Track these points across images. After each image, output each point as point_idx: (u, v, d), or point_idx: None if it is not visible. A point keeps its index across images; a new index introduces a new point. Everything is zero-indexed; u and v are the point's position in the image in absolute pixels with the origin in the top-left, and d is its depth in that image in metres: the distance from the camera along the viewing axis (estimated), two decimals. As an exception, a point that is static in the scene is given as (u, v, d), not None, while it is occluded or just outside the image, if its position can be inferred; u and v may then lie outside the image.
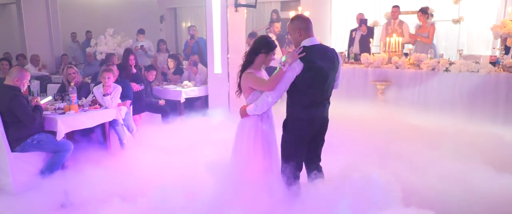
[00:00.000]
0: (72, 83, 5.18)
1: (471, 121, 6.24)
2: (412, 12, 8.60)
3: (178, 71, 8.34)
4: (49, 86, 7.00)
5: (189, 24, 12.63)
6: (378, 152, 4.68)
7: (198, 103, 8.04)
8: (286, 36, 9.25)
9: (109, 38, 8.98)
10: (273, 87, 3.39)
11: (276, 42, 6.76)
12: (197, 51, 8.79)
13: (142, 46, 9.25)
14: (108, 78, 5.33)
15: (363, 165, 3.78)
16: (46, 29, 10.09)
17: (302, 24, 3.40)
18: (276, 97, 3.34)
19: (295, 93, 3.39)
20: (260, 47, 3.56)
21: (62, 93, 5.63)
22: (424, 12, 8.05)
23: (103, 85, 5.38)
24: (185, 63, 9.03)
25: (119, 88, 5.47)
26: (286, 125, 3.52)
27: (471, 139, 5.46)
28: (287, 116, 3.52)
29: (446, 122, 6.26)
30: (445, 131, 5.89)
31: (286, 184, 3.43)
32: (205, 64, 8.43)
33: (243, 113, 3.57)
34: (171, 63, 8.31)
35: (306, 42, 3.38)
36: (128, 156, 5.28)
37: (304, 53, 3.28)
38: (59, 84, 6.85)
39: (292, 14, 7.96)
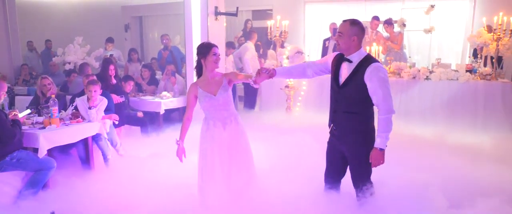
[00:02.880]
0: (53, 96, 4.79)
1: (452, 127, 6.40)
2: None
3: (153, 81, 8.03)
4: (18, 98, 6.50)
5: (155, 33, 12.28)
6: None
7: (175, 115, 7.74)
8: (260, 46, 9.17)
9: (77, 47, 8.50)
10: (187, 115, 3.81)
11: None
12: (172, 61, 8.51)
13: (111, 55, 8.83)
14: (95, 91, 5.00)
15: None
16: (4, 38, 9.46)
17: (361, 34, 3.20)
18: (393, 109, 3.14)
19: (371, 104, 3.19)
20: (198, 57, 3.72)
21: (38, 106, 5.22)
22: (389, 23, 8.29)
23: (88, 98, 5.03)
24: (158, 73, 8.74)
25: (105, 101, 5.14)
26: (368, 140, 3.21)
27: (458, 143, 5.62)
28: (363, 131, 3.24)
29: (429, 128, 6.40)
30: (430, 137, 6.00)
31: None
32: (180, 74, 8.19)
33: (382, 154, 3.17)
34: (146, 73, 7.99)
35: (364, 52, 3.24)
36: (114, 172, 4.94)
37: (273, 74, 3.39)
38: (27, 96, 6.43)
39: (271, 22, 7.90)
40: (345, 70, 3.23)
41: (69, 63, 8.28)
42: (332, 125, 3.40)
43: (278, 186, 4.05)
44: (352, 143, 3.26)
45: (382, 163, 3.19)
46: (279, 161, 4.82)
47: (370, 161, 3.18)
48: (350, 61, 3.21)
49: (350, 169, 3.39)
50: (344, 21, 3.24)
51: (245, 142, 3.83)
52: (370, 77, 3.07)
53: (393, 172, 3.84)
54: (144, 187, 4.38)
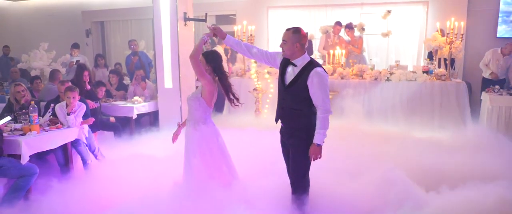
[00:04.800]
0: (33, 102, 4.79)
1: (412, 123, 6.87)
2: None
3: (121, 87, 8.05)
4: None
5: (118, 38, 12.21)
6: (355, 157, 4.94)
7: (145, 119, 7.80)
8: (229, 50, 9.37)
9: (43, 53, 8.37)
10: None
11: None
12: (140, 66, 8.56)
13: (77, 61, 8.75)
14: (74, 98, 5.03)
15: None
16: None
17: (303, 41, 3.49)
18: (331, 110, 3.44)
19: (313, 102, 3.47)
20: None
21: (13, 113, 5.18)
22: (350, 27, 8.76)
23: (66, 104, 5.05)
24: (125, 79, 8.76)
25: (83, 107, 5.18)
26: (309, 135, 3.48)
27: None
28: (306, 126, 3.49)
29: (392, 126, 6.86)
30: (393, 133, 6.44)
31: (306, 192, 3.55)
32: (148, 79, 8.26)
33: (320, 149, 3.45)
34: (114, 79, 8.00)
35: (307, 57, 3.53)
36: (96, 175, 4.98)
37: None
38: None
39: (237, 27, 8.12)
40: (291, 73, 3.53)
41: (35, 69, 8.12)
42: (279, 120, 3.73)
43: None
44: (296, 136, 3.53)
45: (320, 157, 3.48)
46: (257, 159, 5.02)
47: (309, 155, 3.47)
48: (295, 65, 3.51)
49: (290, 161, 3.65)
50: (287, 29, 3.54)
51: (193, 148, 3.93)
52: (312, 81, 3.39)
53: (367, 164, 4.16)
54: (129, 185, 4.44)
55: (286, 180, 3.94)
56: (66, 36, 11.38)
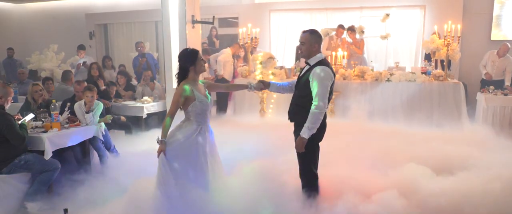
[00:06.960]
0: (54, 100, 5.03)
1: (411, 122, 7.15)
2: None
3: (129, 87, 8.28)
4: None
5: (121, 40, 12.41)
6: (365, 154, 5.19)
7: (153, 119, 8.02)
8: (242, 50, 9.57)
9: (53, 55, 8.58)
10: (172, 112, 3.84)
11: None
12: (146, 67, 8.79)
13: (84, 62, 8.99)
14: (92, 97, 5.27)
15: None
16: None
17: (320, 41, 3.73)
18: (324, 107, 3.55)
19: None
20: (186, 64, 3.92)
21: (32, 112, 5.39)
22: (352, 30, 9.05)
23: (85, 103, 5.29)
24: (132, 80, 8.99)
25: (100, 105, 5.42)
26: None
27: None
28: (305, 122, 3.58)
29: (392, 124, 7.13)
30: (395, 130, 6.71)
31: (313, 189, 3.74)
32: (155, 79, 8.50)
33: (302, 142, 3.58)
34: (122, 80, 8.23)
35: (322, 55, 3.74)
36: (112, 169, 5.21)
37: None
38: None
39: (242, 30, 8.37)
40: (304, 71, 3.77)
41: (45, 70, 8.34)
42: (288, 116, 3.89)
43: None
44: (297, 132, 3.66)
45: (302, 150, 3.61)
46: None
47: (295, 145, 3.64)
48: (309, 64, 3.74)
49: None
50: (304, 32, 3.78)
51: None
52: (312, 76, 3.57)
53: (375, 156, 4.44)
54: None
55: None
56: (70, 39, 11.59)
